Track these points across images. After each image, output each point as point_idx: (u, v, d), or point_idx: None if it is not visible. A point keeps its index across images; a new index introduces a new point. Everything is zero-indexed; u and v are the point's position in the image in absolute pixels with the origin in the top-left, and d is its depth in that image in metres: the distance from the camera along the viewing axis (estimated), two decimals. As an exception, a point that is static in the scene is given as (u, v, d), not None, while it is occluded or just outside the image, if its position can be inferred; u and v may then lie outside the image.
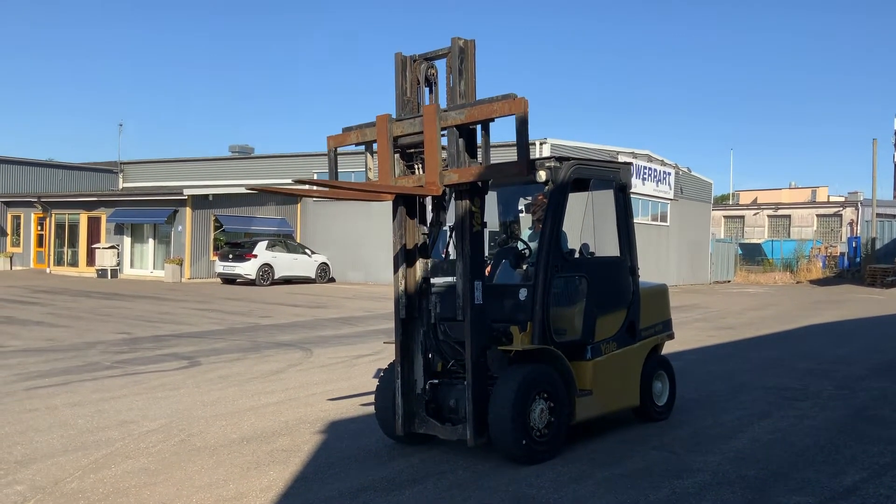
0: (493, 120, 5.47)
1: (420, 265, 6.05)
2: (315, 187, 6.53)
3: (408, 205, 6.03)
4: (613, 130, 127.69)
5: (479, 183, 5.71)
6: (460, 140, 5.60)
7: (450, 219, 6.28)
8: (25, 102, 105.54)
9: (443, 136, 5.66)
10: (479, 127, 5.64)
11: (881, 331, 16.71)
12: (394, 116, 5.88)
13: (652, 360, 7.17)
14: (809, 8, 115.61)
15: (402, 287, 6.04)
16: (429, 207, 6.22)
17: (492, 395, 5.67)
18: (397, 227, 6.03)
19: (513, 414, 5.55)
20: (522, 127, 5.24)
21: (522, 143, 5.29)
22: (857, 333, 15.97)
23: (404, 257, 6.02)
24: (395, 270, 6.06)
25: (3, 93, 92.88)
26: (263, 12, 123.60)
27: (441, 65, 5.85)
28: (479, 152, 5.73)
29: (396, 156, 5.92)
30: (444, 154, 5.71)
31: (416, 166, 5.95)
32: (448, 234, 6.50)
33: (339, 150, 6.37)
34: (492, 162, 5.69)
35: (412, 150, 5.94)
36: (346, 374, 9.74)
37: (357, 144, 6.20)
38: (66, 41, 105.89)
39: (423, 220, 6.12)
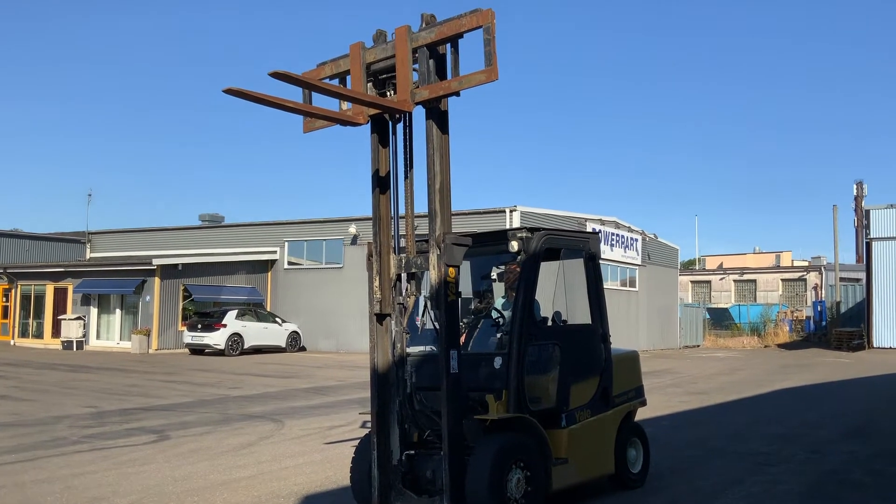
0: (461, 36, 5.60)
1: (396, 331, 6.07)
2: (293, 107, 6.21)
3: (382, 136, 6.11)
4: (581, 198, 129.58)
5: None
6: (430, 61, 5.75)
7: (424, 289, 6.36)
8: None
9: (414, 59, 5.77)
10: (448, 47, 5.73)
11: (849, 393, 16.91)
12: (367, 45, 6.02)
13: (626, 427, 7.22)
14: (769, 75, 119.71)
15: (377, 356, 6.06)
16: (403, 278, 6.26)
17: (468, 465, 5.64)
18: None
19: (490, 484, 5.52)
20: (490, 37, 5.36)
21: (490, 51, 5.37)
22: (826, 397, 16.14)
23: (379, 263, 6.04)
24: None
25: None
26: (234, 82, 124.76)
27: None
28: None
29: (369, 84, 6.05)
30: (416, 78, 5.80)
31: (388, 93, 6.07)
32: (423, 303, 6.57)
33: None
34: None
35: (384, 77, 6.07)
36: (320, 447, 9.63)
37: (331, 78, 6.27)
38: (32, 112, 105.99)
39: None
